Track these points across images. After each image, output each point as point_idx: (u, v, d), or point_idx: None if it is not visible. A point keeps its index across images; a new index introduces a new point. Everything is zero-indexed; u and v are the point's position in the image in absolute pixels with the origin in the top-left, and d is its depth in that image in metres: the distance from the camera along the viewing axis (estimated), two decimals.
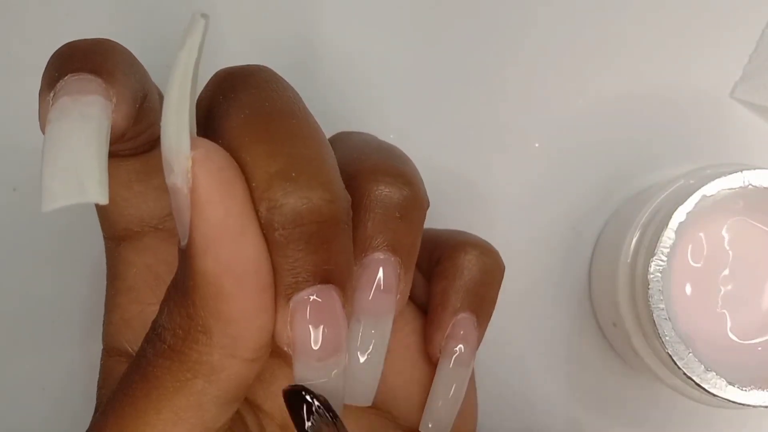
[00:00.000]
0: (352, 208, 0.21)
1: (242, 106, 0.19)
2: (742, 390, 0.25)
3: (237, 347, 0.18)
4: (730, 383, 0.25)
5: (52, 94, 0.18)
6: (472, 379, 0.26)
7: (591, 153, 0.32)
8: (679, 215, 0.26)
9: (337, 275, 0.18)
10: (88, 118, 0.17)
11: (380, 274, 0.21)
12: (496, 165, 0.32)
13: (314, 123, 0.20)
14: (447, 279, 0.24)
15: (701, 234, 0.28)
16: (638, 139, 0.32)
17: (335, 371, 0.19)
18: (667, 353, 0.25)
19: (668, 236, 0.25)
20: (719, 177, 0.26)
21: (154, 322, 0.19)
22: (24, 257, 0.32)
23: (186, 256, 0.18)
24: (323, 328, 0.18)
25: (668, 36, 0.32)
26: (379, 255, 0.21)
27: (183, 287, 0.18)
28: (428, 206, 0.23)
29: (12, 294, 0.32)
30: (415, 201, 0.22)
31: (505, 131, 0.32)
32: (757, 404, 0.25)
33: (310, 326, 0.18)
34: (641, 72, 0.32)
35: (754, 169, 0.26)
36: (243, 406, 0.23)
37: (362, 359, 0.21)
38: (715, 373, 0.25)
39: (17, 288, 0.32)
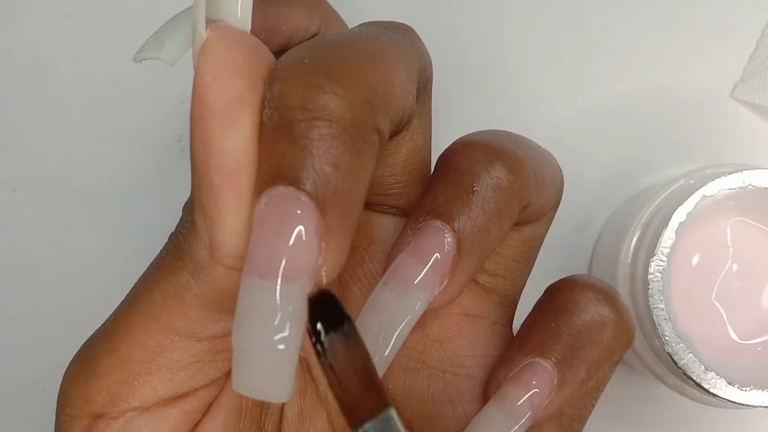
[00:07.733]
0: (440, 175, 0.19)
1: (347, 31, 0.18)
2: (742, 390, 0.25)
3: (214, 247, 0.16)
4: (729, 383, 0.25)
5: None
6: None
7: (591, 153, 0.32)
8: (679, 215, 0.25)
9: (321, 191, 0.15)
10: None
11: (430, 243, 0.18)
12: None
13: (399, 54, 0.17)
14: (539, 314, 0.20)
15: (701, 234, 0.28)
16: (638, 138, 0.32)
17: (289, 307, 0.15)
18: (667, 353, 0.25)
19: (668, 236, 0.25)
20: (719, 177, 0.26)
21: None
22: (24, 257, 0.32)
23: None
24: (277, 239, 0.15)
25: (668, 36, 0.32)
26: (437, 223, 0.18)
27: None
28: (540, 216, 0.20)
29: (12, 294, 0.32)
30: (510, 187, 0.18)
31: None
32: (757, 404, 0.25)
33: (266, 231, 0.15)
34: (641, 72, 0.32)
35: (754, 169, 0.26)
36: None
37: (373, 327, 0.18)
38: (714, 373, 0.25)
39: (17, 288, 0.32)
